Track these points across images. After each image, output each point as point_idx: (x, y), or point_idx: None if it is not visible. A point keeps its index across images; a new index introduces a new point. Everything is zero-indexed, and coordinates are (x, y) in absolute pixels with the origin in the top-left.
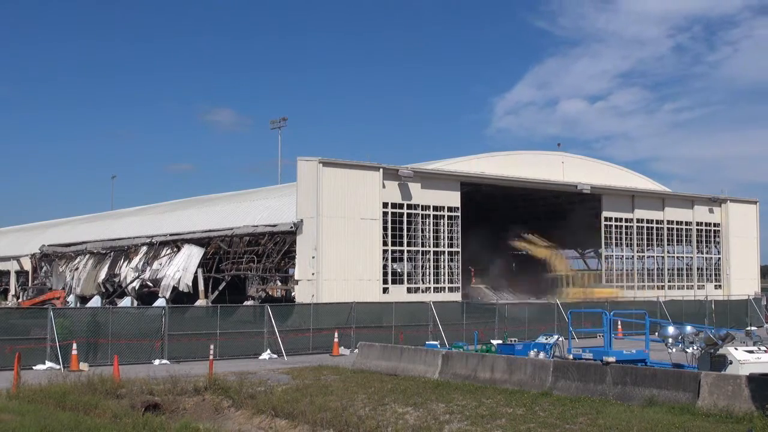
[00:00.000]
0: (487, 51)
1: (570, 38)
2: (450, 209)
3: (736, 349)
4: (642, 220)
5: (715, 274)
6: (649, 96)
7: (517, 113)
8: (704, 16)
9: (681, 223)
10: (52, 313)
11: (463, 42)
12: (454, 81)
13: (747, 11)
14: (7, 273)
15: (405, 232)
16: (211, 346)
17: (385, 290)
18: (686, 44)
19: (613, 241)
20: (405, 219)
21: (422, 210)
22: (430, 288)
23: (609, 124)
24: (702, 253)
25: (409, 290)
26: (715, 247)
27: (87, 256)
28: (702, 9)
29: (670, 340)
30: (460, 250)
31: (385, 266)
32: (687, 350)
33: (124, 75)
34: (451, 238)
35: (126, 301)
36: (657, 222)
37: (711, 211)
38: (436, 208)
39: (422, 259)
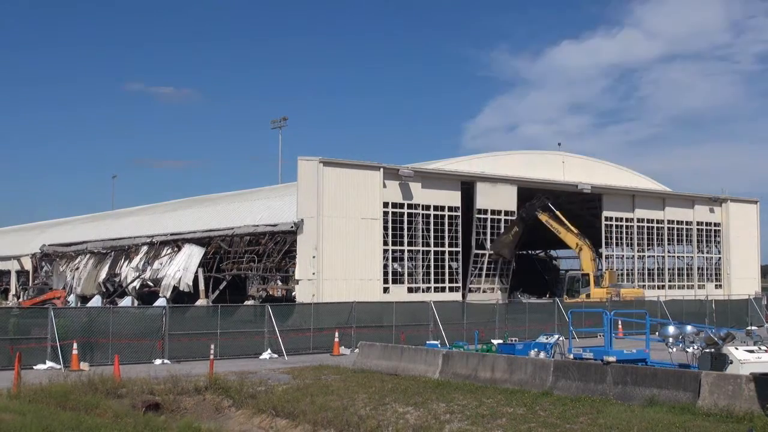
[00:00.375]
0: (451, 84)
1: (513, 80)
2: (450, 209)
3: (737, 348)
4: (642, 220)
5: (716, 274)
6: (598, 121)
7: (485, 136)
8: (621, 63)
9: (681, 222)
10: (52, 312)
11: (432, 77)
12: (446, 89)
13: (656, 60)
14: (8, 273)
15: (405, 232)
16: (212, 346)
17: (385, 290)
18: (614, 85)
19: (614, 240)
20: (405, 219)
21: (423, 210)
22: (430, 288)
23: (567, 144)
24: (702, 253)
25: (409, 290)
26: (716, 246)
27: (87, 256)
28: (619, 58)
29: (671, 339)
30: (460, 249)
31: (385, 266)
32: (687, 350)
33: (124, 75)
34: (451, 238)
35: (126, 301)
36: (657, 222)
37: (711, 210)
38: (436, 208)
39: (423, 258)
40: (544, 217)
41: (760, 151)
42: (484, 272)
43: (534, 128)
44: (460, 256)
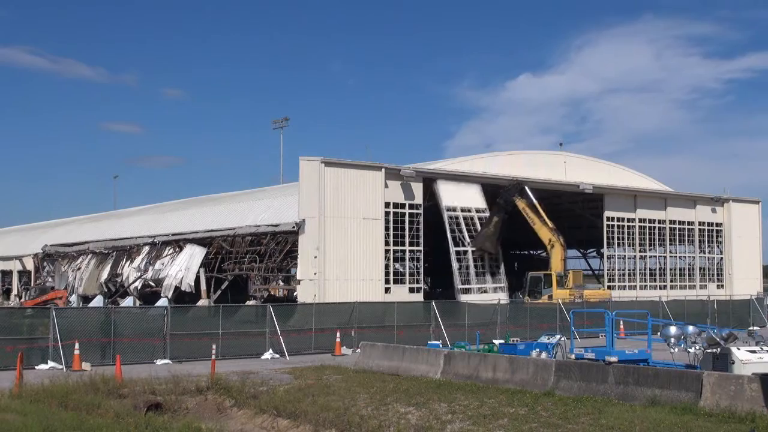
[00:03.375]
0: (424, 114)
1: (478, 110)
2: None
3: (739, 349)
4: (644, 220)
5: (718, 274)
6: (566, 140)
7: (464, 153)
8: (572, 95)
9: (683, 222)
10: (54, 312)
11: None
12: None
13: (602, 92)
14: (10, 273)
15: (407, 232)
16: (214, 346)
17: (387, 290)
18: (571, 111)
19: (616, 240)
20: (407, 219)
21: (416, 209)
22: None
23: None
24: (704, 253)
25: (411, 290)
26: (718, 246)
27: (89, 256)
28: (569, 92)
29: (673, 339)
30: (469, 249)
31: (387, 266)
32: (689, 350)
33: (123, 75)
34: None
35: (128, 301)
36: (659, 222)
37: (713, 210)
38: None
39: (424, 258)
40: (521, 204)
41: (703, 168)
42: (471, 270)
43: (508, 147)
44: (470, 255)
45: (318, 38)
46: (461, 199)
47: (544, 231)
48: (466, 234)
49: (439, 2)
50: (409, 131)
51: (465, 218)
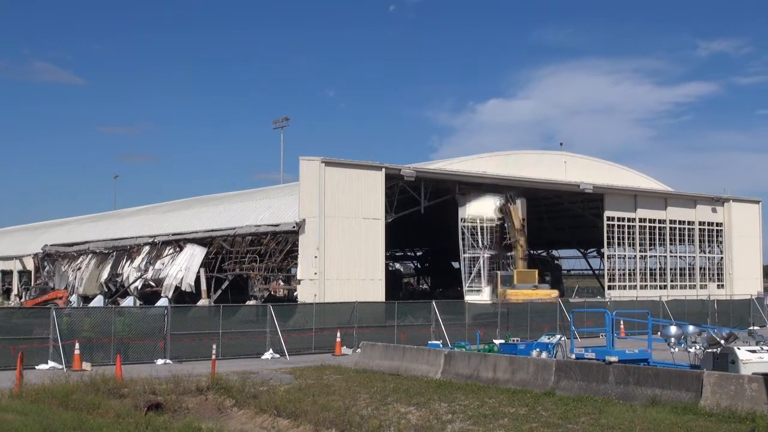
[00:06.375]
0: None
1: (453, 130)
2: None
3: (739, 348)
4: (644, 220)
5: (718, 274)
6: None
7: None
8: (538, 117)
9: (683, 222)
10: (54, 312)
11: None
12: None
13: (566, 114)
14: (10, 272)
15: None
16: (214, 346)
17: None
18: (542, 130)
19: (616, 240)
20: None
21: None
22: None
23: None
24: (704, 253)
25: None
26: (718, 246)
27: (89, 256)
28: (535, 115)
29: (673, 339)
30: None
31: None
32: (690, 350)
33: (123, 75)
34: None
35: (128, 301)
36: (659, 221)
37: (714, 210)
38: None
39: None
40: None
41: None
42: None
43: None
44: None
45: (315, 71)
46: (476, 207)
47: (514, 230)
48: (479, 239)
49: (415, 37)
50: (397, 143)
51: (480, 227)
